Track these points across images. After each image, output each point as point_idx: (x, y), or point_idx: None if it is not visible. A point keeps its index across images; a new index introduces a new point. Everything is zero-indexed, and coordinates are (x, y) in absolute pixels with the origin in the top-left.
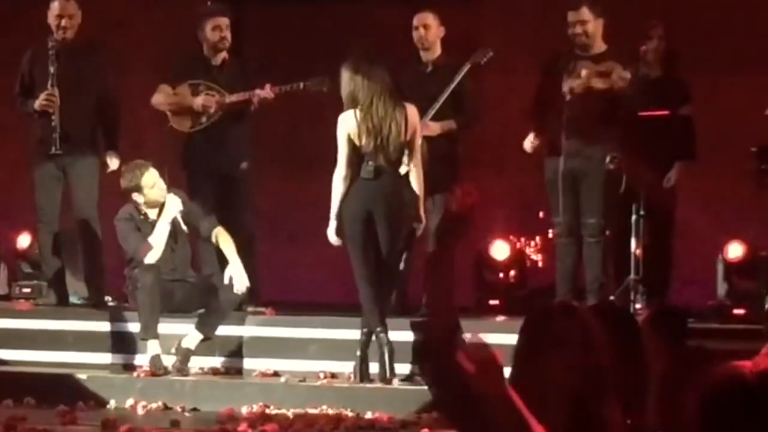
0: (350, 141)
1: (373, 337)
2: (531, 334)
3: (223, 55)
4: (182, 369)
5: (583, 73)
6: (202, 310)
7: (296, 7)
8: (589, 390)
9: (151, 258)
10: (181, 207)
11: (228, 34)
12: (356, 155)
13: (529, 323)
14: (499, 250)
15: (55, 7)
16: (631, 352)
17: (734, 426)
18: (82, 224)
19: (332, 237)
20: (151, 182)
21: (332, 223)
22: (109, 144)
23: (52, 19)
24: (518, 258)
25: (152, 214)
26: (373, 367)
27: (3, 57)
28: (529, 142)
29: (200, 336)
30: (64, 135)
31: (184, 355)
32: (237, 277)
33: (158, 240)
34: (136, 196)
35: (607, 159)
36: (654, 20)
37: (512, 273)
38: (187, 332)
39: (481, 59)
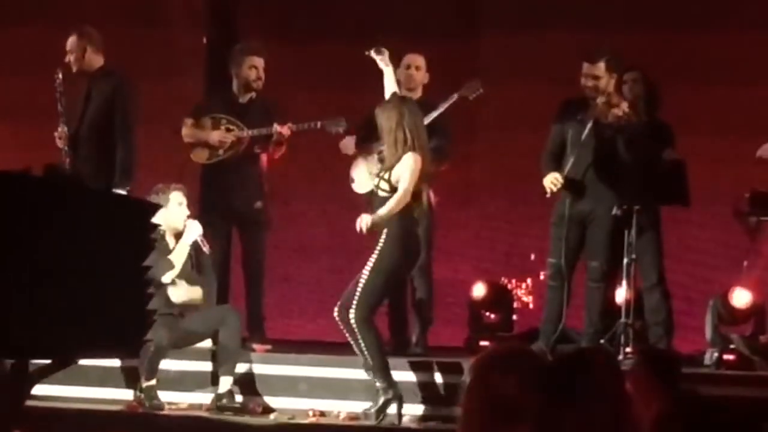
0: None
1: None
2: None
3: (252, 94)
4: (228, 407)
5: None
6: (209, 345)
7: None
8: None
9: (168, 277)
10: (201, 231)
11: (263, 75)
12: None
13: (475, 365)
14: (478, 289)
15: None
16: (614, 398)
17: None
18: None
19: (365, 222)
20: (176, 202)
21: (369, 217)
22: (108, 180)
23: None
24: (505, 299)
25: (171, 241)
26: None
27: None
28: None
29: (230, 378)
30: (73, 169)
31: (229, 396)
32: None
33: (178, 259)
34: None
35: (616, 205)
36: (630, 64)
37: (501, 314)
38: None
39: (470, 94)
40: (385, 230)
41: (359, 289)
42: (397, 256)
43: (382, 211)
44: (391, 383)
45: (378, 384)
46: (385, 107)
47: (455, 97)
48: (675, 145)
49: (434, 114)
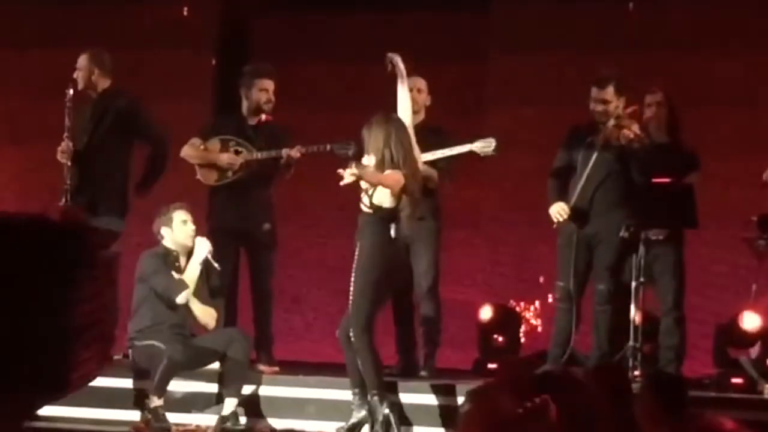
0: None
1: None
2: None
3: (262, 116)
4: (232, 429)
5: (607, 127)
6: (216, 366)
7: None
8: None
9: (183, 298)
10: (210, 248)
11: (273, 97)
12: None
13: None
14: (486, 312)
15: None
16: (621, 416)
17: None
18: None
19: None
20: (181, 220)
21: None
22: (109, 206)
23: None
24: (512, 321)
25: (182, 261)
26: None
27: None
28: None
29: (234, 400)
30: (76, 189)
31: (233, 418)
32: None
33: (190, 279)
34: (165, 232)
35: (623, 227)
36: (653, 87)
37: (509, 337)
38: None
39: (480, 149)
40: (358, 243)
41: (349, 307)
42: (370, 261)
43: (368, 170)
44: (384, 399)
45: (372, 402)
46: (371, 127)
47: (467, 148)
48: (699, 168)
49: (445, 152)
